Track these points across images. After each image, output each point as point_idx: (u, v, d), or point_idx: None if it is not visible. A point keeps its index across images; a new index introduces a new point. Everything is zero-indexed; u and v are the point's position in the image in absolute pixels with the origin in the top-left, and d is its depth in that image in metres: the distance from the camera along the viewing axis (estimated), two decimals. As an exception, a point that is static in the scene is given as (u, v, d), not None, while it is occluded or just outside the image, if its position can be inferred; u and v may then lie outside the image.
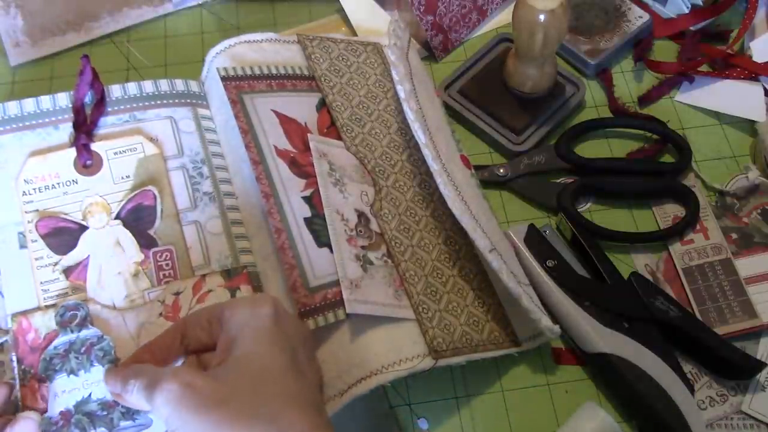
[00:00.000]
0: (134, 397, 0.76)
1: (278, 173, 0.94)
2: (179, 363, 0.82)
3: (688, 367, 0.95)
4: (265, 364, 0.76)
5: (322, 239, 0.91)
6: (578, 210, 1.05)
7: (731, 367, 0.93)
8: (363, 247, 0.92)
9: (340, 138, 1.01)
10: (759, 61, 1.14)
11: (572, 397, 0.94)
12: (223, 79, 0.99)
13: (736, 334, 0.96)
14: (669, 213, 1.05)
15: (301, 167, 0.95)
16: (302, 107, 1.02)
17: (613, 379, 0.93)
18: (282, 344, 0.78)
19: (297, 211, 0.92)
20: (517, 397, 0.94)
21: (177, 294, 0.91)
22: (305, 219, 0.91)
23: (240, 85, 1.00)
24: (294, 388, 0.76)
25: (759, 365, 0.92)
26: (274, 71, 1.04)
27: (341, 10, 1.22)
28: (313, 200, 0.93)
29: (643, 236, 1.04)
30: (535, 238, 0.99)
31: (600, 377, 0.95)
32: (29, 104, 1.01)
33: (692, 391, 0.90)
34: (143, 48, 1.21)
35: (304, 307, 0.86)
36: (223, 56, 1.05)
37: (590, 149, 1.11)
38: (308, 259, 0.89)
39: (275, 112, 0.99)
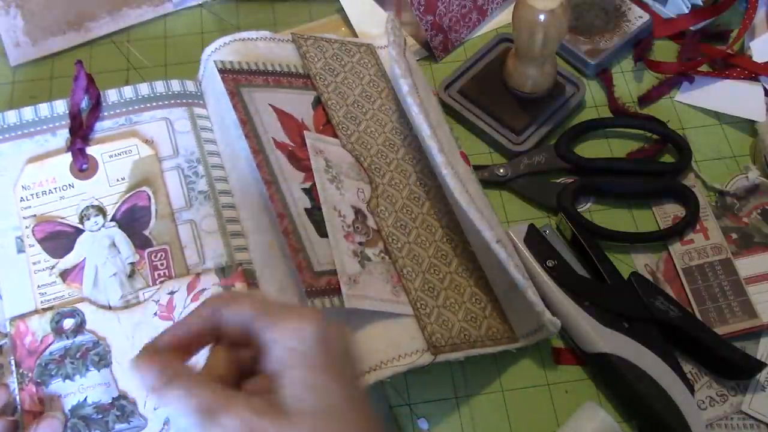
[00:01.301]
0: (175, 411, 0.68)
1: (278, 163, 0.94)
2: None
3: (688, 367, 0.94)
4: (323, 401, 0.69)
5: (323, 230, 0.91)
6: (578, 210, 1.05)
7: (731, 367, 0.93)
8: (360, 243, 0.92)
9: (335, 136, 1.01)
10: (759, 61, 1.14)
11: (572, 397, 0.94)
12: (221, 71, 0.99)
13: (736, 334, 0.96)
14: (669, 213, 1.05)
15: (300, 161, 0.96)
16: (298, 104, 1.02)
17: (613, 379, 0.92)
18: (333, 371, 0.71)
19: (298, 200, 0.92)
20: (517, 397, 0.94)
21: (172, 293, 0.92)
22: (306, 209, 0.92)
23: (237, 78, 1.00)
24: (355, 420, 0.70)
25: (759, 365, 0.92)
26: (270, 68, 1.04)
27: (341, 10, 1.22)
28: (312, 193, 0.94)
29: (643, 236, 1.03)
30: (535, 238, 0.99)
31: (600, 377, 0.95)
32: (28, 112, 1.02)
33: (692, 391, 0.90)
34: (143, 48, 1.21)
35: (310, 287, 0.86)
36: (219, 54, 1.05)
37: (590, 149, 1.11)
38: (311, 246, 0.89)
39: (272, 106, 1.00)
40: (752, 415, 0.92)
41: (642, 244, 1.03)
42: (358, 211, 0.95)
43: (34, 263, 0.93)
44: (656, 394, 0.89)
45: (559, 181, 1.08)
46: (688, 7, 1.18)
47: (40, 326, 0.89)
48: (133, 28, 1.23)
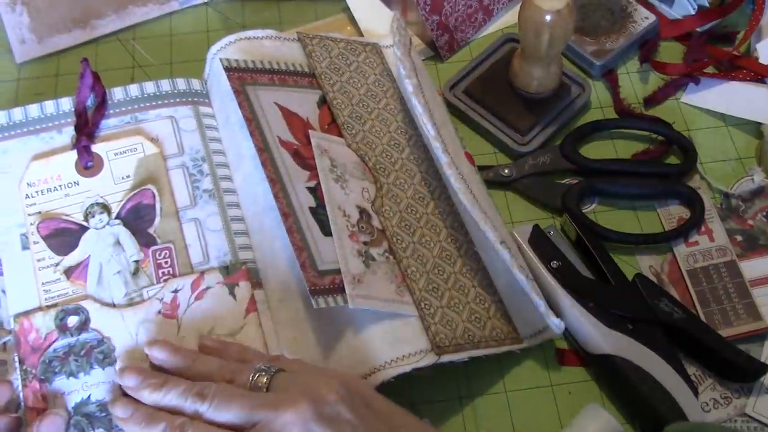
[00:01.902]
0: None
1: (282, 162, 0.94)
2: None
3: (692, 370, 0.94)
4: None
5: (327, 228, 0.91)
6: (583, 211, 1.04)
7: (735, 370, 0.92)
8: (365, 243, 0.92)
9: (341, 135, 1.01)
10: (765, 63, 1.14)
11: (575, 398, 0.93)
12: (227, 69, 1.00)
13: (741, 336, 0.96)
14: (674, 215, 1.05)
15: (305, 159, 0.96)
16: (304, 103, 1.03)
17: (616, 381, 0.92)
18: None
19: (302, 199, 0.92)
20: (520, 398, 0.94)
21: (175, 291, 0.92)
22: (310, 208, 0.92)
23: (243, 76, 1.00)
24: None
25: (763, 368, 0.92)
26: (275, 66, 1.05)
27: (347, 9, 1.22)
28: (317, 191, 0.94)
29: (647, 238, 1.03)
30: (539, 239, 0.99)
31: (603, 379, 0.94)
32: (34, 110, 1.02)
33: (696, 393, 0.90)
34: (149, 46, 1.21)
35: (314, 286, 0.86)
36: (224, 52, 1.05)
37: (595, 150, 1.11)
38: (315, 245, 0.89)
39: (278, 105, 1.00)
40: (756, 418, 0.91)
41: (646, 245, 1.03)
42: (362, 211, 0.95)
43: (39, 260, 0.93)
44: (660, 396, 0.89)
45: (564, 182, 1.08)
46: (694, 9, 1.18)
47: (44, 323, 0.89)
48: (138, 26, 1.23)
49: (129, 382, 0.82)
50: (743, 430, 0.91)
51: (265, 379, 0.79)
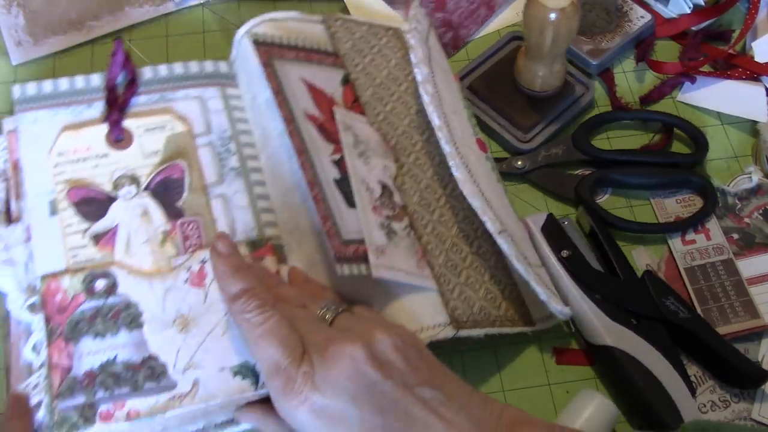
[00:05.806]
0: None
1: (309, 134, 0.95)
2: None
3: (693, 370, 0.95)
4: None
5: (351, 200, 0.92)
6: (596, 201, 1.06)
7: (737, 375, 0.93)
8: (387, 217, 0.93)
9: (363, 114, 1.02)
10: (761, 62, 1.15)
11: (573, 397, 0.93)
12: (255, 43, 1.01)
13: (738, 334, 0.97)
14: (686, 203, 1.06)
15: (329, 133, 0.97)
16: (328, 80, 1.03)
17: (614, 373, 0.93)
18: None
19: (327, 171, 0.93)
20: (518, 397, 0.94)
21: (203, 262, 0.92)
22: (335, 180, 0.92)
23: (270, 50, 1.01)
24: None
25: (765, 375, 0.92)
26: (301, 44, 1.06)
27: (345, 10, 1.22)
28: (341, 165, 0.94)
29: (660, 227, 1.05)
30: (552, 228, 0.99)
31: (602, 370, 0.96)
32: (63, 83, 1.03)
33: (693, 393, 0.91)
34: (145, 47, 1.20)
35: (339, 253, 0.86)
36: (249, 35, 1.05)
37: (607, 141, 1.12)
38: (340, 215, 0.90)
39: (303, 80, 1.01)
40: (763, 422, 0.92)
41: (661, 234, 1.04)
42: (384, 187, 0.96)
43: (67, 225, 0.93)
44: (655, 392, 0.90)
45: (576, 173, 1.09)
46: (690, 7, 1.20)
47: (71, 285, 0.89)
48: (134, 27, 1.23)
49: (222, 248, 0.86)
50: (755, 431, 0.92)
51: (329, 316, 0.83)
